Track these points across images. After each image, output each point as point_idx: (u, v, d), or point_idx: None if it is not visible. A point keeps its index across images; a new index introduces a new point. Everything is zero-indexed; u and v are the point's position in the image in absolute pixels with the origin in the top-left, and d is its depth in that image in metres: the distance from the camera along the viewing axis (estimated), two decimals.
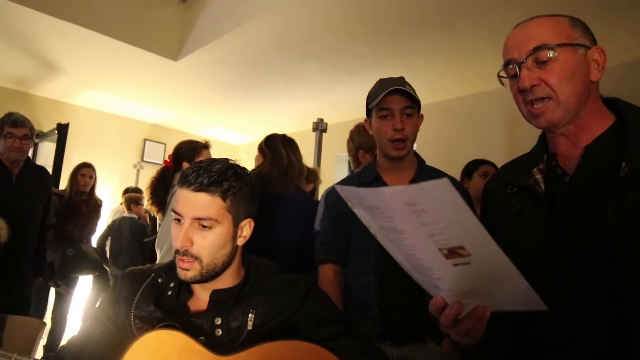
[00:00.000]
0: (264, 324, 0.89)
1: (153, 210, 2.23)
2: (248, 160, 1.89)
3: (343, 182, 1.52)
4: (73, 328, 3.40)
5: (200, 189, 0.86)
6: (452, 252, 0.57)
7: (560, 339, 0.74)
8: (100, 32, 3.15)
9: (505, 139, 3.55)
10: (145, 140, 5.67)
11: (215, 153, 2.02)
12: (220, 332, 0.87)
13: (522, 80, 0.77)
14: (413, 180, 1.34)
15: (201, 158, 2.18)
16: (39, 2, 2.87)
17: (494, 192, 0.94)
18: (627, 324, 0.66)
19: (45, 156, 4.59)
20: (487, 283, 0.61)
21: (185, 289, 0.94)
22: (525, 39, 0.78)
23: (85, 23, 3.08)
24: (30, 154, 2.55)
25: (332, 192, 1.49)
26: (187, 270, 0.87)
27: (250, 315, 0.89)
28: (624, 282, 0.67)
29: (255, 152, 2.05)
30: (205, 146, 2.29)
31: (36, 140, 4.40)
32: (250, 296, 0.92)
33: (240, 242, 0.93)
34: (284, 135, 1.98)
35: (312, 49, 3.21)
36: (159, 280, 0.95)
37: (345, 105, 4.31)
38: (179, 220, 0.88)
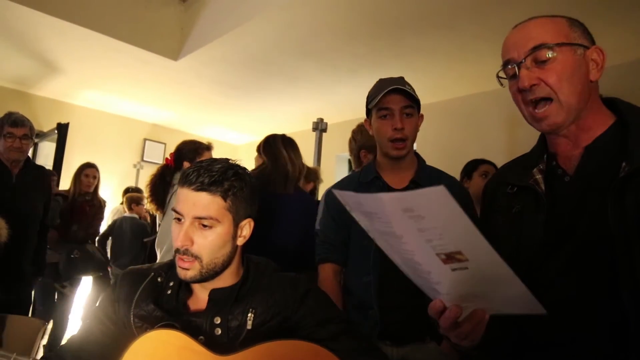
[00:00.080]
0: (264, 324, 0.89)
1: (152, 208, 2.22)
2: (248, 160, 1.89)
3: (343, 181, 1.52)
4: (74, 327, 3.40)
5: (201, 188, 0.86)
6: (450, 257, 0.57)
7: (560, 339, 0.74)
8: (100, 32, 3.15)
9: (505, 139, 3.55)
10: (145, 140, 5.68)
11: (215, 153, 2.02)
12: (220, 332, 0.87)
13: (522, 80, 0.77)
14: (413, 180, 1.34)
15: (202, 159, 2.17)
16: (39, 2, 2.87)
17: (494, 192, 0.93)
18: (627, 324, 0.66)
19: (45, 156, 4.59)
20: (486, 287, 0.61)
21: (184, 288, 0.94)
22: (524, 39, 0.78)
23: (85, 23, 3.08)
24: (30, 153, 2.55)
25: (332, 192, 1.49)
26: (187, 270, 0.87)
27: (249, 314, 0.89)
28: (624, 282, 0.67)
29: (255, 152, 2.05)
30: (208, 148, 2.29)
31: (36, 140, 4.40)
32: (250, 295, 0.92)
33: (240, 242, 0.93)
34: (283, 136, 1.98)
35: (312, 49, 3.21)
36: (159, 279, 0.95)
37: (345, 105, 4.31)
38: (179, 220, 0.88)
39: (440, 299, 0.65)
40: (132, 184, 5.02)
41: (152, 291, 0.93)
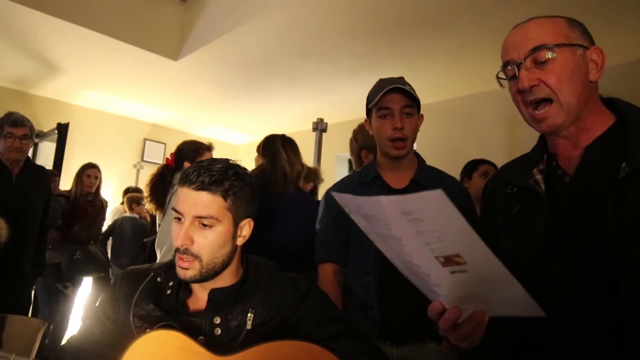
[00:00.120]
0: (264, 324, 0.89)
1: (151, 208, 2.22)
2: (248, 161, 1.89)
3: (344, 181, 1.52)
4: (74, 327, 3.40)
5: (202, 187, 0.87)
6: (449, 260, 0.57)
7: (561, 339, 0.74)
8: (100, 32, 3.15)
9: (505, 139, 3.55)
10: (145, 140, 5.68)
11: (216, 153, 2.03)
12: (220, 332, 0.87)
13: (521, 81, 0.77)
14: (413, 180, 1.35)
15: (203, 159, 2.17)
16: (39, 2, 2.87)
17: (494, 192, 0.93)
18: (627, 324, 0.66)
19: (45, 156, 4.59)
20: (484, 290, 0.62)
21: (184, 288, 0.94)
22: (523, 40, 0.78)
23: (85, 23, 3.08)
24: (30, 153, 2.55)
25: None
26: (187, 270, 0.87)
27: (249, 314, 0.89)
28: (624, 282, 0.67)
29: (255, 152, 2.05)
30: (209, 148, 2.29)
31: (36, 140, 4.40)
32: (249, 295, 0.92)
33: (240, 241, 0.94)
34: (283, 136, 1.98)
35: (312, 49, 3.21)
36: (158, 279, 0.95)
37: (345, 105, 4.31)
38: (179, 219, 0.88)
39: (440, 301, 0.65)
40: (132, 184, 5.02)
41: (151, 291, 0.93)
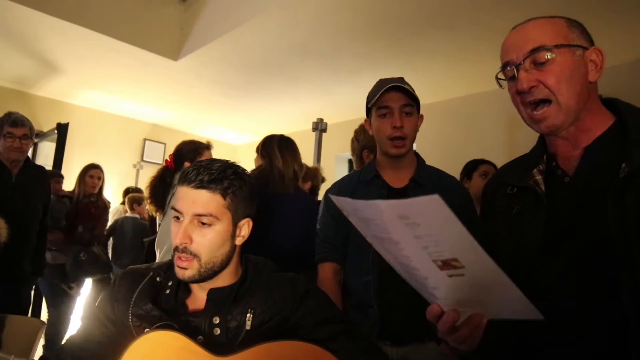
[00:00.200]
0: (263, 324, 0.89)
1: (151, 209, 2.22)
2: (247, 161, 1.89)
3: (344, 180, 1.53)
4: (74, 327, 3.41)
5: (201, 186, 0.87)
6: (446, 264, 0.57)
7: (560, 339, 0.74)
8: (100, 32, 3.14)
9: (505, 139, 3.55)
10: (145, 140, 5.67)
11: (215, 153, 2.02)
12: (219, 332, 0.87)
13: (520, 82, 0.77)
14: (412, 179, 1.35)
15: (203, 158, 2.17)
16: (39, 2, 2.87)
17: (493, 193, 0.93)
18: (627, 324, 0.66)
19: (45, 156, 4.59)
20: (482, 293, 0.62)
21: (183, 287, 0.94)
22: (522, 41, 0.78)
23: (85, 23, 3.07)
24: (30, 153, 2.55)
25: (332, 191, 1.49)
26: (186, 270, 0.87)
27: (248, 315, 0.89)
28: (624, 282, 0.67)
29: (254, 152, 2.05)
30: (208, 147, 2.28)
31: (36, 140, 4.39)
32: (249, 295, 0.92)
33: (239, 241, 0.94)
34: (281, 136, 1.98)
35: (312, 49, 3.21)
36: (158, 279, 0.95)
37: (345, 105, 4.31)
38: (178, 218, 0.88)
39: (438, 304, 0.65)
40: (132, 184, 5.02)
41: (150, 291, 0.93)
